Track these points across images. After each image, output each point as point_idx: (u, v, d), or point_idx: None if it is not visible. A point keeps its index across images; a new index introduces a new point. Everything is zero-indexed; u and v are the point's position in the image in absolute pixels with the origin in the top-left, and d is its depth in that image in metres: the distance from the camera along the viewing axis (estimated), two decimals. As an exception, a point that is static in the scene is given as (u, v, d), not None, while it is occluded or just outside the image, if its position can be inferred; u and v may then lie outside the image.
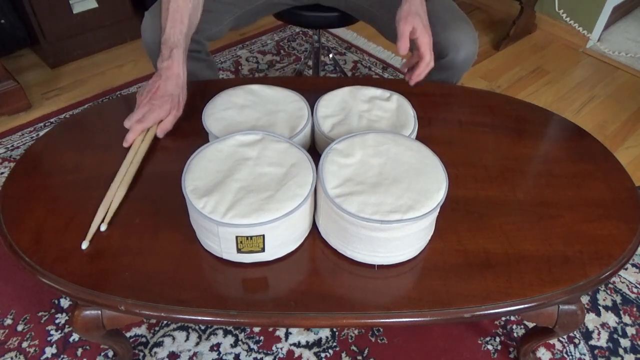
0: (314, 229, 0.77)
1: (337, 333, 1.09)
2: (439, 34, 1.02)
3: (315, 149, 0.89)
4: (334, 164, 0.73)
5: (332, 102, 0.89)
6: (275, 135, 0.78)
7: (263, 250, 0.70)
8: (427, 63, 0.91)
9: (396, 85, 1.02)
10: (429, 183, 0.71)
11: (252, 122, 0.83)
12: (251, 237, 0.67)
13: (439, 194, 0.70)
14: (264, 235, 0.68)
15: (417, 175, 0.72)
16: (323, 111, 0.87)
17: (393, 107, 0.88)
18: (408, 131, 0.84)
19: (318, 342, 1.07)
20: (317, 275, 0.71)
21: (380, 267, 0.72)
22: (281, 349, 1.06)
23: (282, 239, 0.70)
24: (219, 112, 0.85)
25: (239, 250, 0.69)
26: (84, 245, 0.72)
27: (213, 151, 0.75)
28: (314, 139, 0.89)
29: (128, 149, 0.85)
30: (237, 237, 0.67)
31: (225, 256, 0.71)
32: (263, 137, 0.78)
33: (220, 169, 0.73)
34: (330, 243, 0.74)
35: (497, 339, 1.09)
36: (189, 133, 0.90)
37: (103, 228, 0.73)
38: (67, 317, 1.09)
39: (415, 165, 0.74)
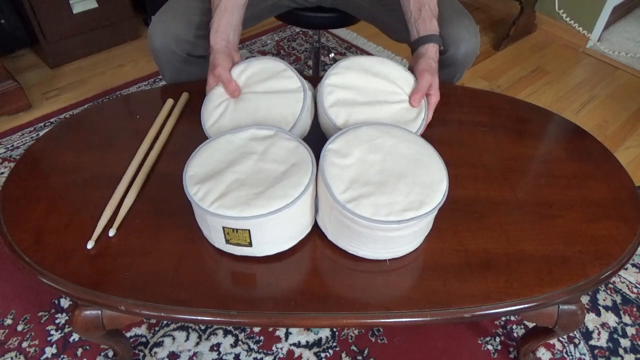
0: (317, 231, 0.76)
1: (337, 333, 1.09)
2: (439, 30, 1.01)
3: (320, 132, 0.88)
4: (334, 166, 0.72)
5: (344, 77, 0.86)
6: (287, 134, 0.78)
7: (250, 245, 0.70)
8: (429, 119, 0.89)
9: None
10: (431, 174, 0.72)
11: (248, 120, 0.83)
12: (237, 230, 0.68)
13: (443, 183, 0.71)
14: (249, 230, 0.68)
15: (417, 168, 0.72)
16: (333, 80, 0.84)
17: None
18: (418, 120, 0.83)
19: (318, 342, 1.07)
20: (317, 276, 0.71)
21: (383, 268, 0.72)
22: (281, 349, 1.06)
23: (271, 236, 0.70)
24: (215, 109, 0.85)
25: (227, 241, 0.70)
26: (90, 245, 0.72)
27: (223, 142, 0.76)
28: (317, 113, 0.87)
29: (129, 149, 0.85)
30: (224, 227, 0.68)
31: (217, 245, 0.72)
32: (276, 132, 0.78)
33: (224, 159, 0.74)
34: (340, 246, 0.74)
35: (497, 339, 1.09)
36: (190, 134, 0.90)
37: (112, 233, 0.73)
38: (67, 317, 1.09)
39: (414, 157, 0.74)
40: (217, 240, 0.71)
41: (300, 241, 0.75)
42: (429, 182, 0.71)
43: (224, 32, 0.90)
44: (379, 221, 0.66)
